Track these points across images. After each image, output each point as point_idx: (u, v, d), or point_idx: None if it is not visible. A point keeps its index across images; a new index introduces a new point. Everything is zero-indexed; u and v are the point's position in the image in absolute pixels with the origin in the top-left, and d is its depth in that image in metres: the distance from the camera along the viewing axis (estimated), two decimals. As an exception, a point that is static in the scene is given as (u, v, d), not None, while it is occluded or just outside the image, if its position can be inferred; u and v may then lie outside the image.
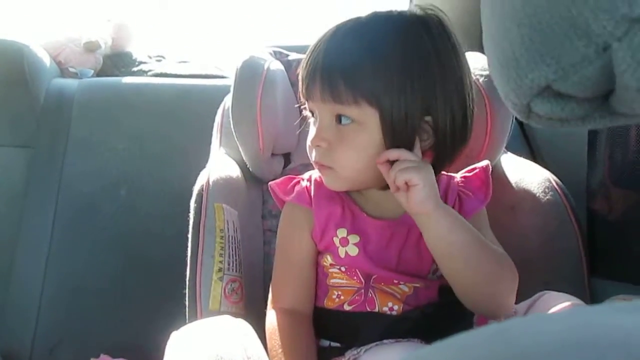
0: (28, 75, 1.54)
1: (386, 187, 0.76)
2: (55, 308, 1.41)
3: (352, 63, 0.71)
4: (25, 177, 1.49)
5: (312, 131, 0.78)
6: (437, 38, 0.72)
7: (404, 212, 0.80)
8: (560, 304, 0.75)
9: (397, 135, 0.72)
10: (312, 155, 0.78)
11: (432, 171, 0.71)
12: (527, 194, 1.00)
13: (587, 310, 0.24)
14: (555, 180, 0.99)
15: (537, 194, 0.98)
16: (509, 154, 1.11)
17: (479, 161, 0.99)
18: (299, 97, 0.80)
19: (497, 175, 1.05)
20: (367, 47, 0.71)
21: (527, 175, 1.02)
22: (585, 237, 0.94)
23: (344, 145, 0.74)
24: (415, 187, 0.69)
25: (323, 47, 0.73)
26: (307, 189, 0.84)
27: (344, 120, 0.73)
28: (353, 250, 0.79)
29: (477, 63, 1.04)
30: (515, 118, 1.02)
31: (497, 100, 0.98)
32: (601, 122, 0.30)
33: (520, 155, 1.13)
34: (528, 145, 1.28)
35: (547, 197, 0.97)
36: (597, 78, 0.27)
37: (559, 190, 0.97)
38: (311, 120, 0.79)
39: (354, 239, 0.79)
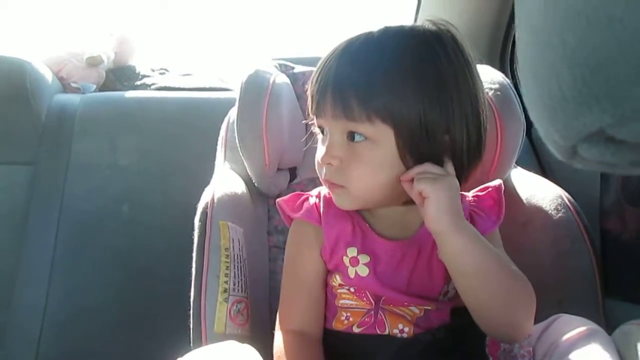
0: (30, 92, 1.52)
1: (398, 205, 0.74)
2: (58, 328, 1.39)
3: (365, 79, 0.68)
4: (27, 195, 1.47)
5: (321, 148, 0.75)
6: (452, 54, 0.70)
7: (416, 232, 0.78)
8: (575, 329, 0.73)
9: (418, 152, 0.70)
10: (322, 174, 0.76)
11: (455, 186, 0.68)
12: (538, 211, 0.97)
13: None
14: (567, 197, 0.97)
15: (549, 211, 0.96)
16: (519, 169, 1.09)
17: (489, 177, 0.97)
18: (307, 111, 0.78)
19: (508, 191, 1.03)
20: (380, 63, 0.69)
21: (538, 191, 1.00)
22: (599, 257, 0.92)
23: (357, 163, 0.71)
24: (427, 199, 0.66)
25: (334, 62, 0.71)
26: (317, 205, 0.81)
27: (357, 138, 0.71)
28: (363, 271, 0.76)
29: (485, 76, 1.02)
30: (526, 132, 1.02)
31: (508, 115, 0.97)
32: None
33: (530, 171, 1.11)
34: (538, 160, 1.26)
35: (559, 215, 0.95)
36: None
37: (571, 208, 0.95)
38: (320, 136, 0.77)
39: (364, 258, 0.77)
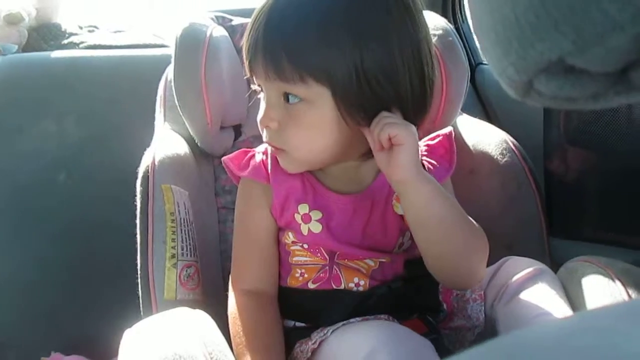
0: (-60, 56, 1.39)
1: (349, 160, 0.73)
2: (2, 308, 1.32)
3: (295, 36, 0.63)
4: None
5: (262, 108, 0.71)
6: (391, 2, 0.65)
7: (368, 185, 0.76)
8: (522, 270, 0.75)
9: (360, 108, 0.66)
10: (264, 135, 0.73)
11: (417, 136, 0.65)
12: (485, 157, 0.99)
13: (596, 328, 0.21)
14: (512, 141, 0.98)
15: (495, 157, 0.97)
16: (465, 115, 1.10)
17: (436, 125, 0.97)
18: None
19: (455, 139, 1.03)
20: (312, 16, 0.64)
21: (484, 137, 1.01)
22: (543, 199, 0.94)
23: (295, 126, 0.68)
24: (400, 147, 0.62)
25: (264, 18, 0.65)
26: (264, 162, 0.79)
27: (291, 99, 0.67)
28: (316, 227, 0.75)
29: (428, 22, 1.00)
30: (469, 78, 1.01)
31: (452, 61, 0.96)
32: (615, 100, 0.26)
33: (475, 117, 1.11)
34: (482, 105, 1.27)
35: (505, 159, 0.97)
36: (625, 49, 0.22)
37: (516, 152, 0.97)
38: (261, 95, 0.73)
39: (316, 215, 0.75)
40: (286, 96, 0.67)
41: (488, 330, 0.76)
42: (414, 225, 0.69)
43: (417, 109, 0.69)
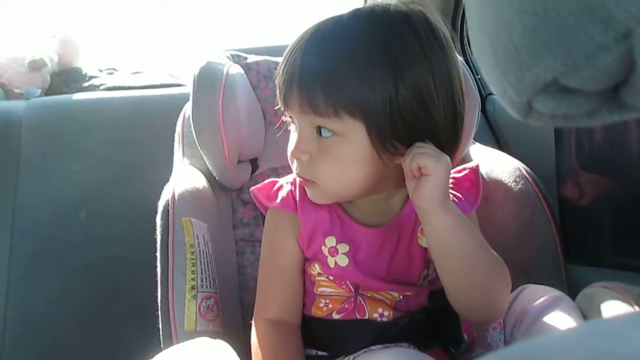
0: (-30, 102, 1.45)
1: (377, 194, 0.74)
2: (19, 346, 1.33)
3: (330, 70, 0.65)
4: None
5: (292, 140, 0.72)
6: (423, 36, 0.66)
7: (394, 217, 0.77)
8: (540, 297, 0.75)
9: (394, 141, 0.66)
10: (294, 167, 0.74)
11: (450, 166, 0.65)
12: (499, 185, 0.99)
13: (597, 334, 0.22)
14: (525, 169, 0.99)
15: (509, 184, 0.98)
16: (477, 144, 1.11)
17: (448, 155, 0.98)
18: (276, 100, 0.76)
19: (468, 167, 1.04)
20: (346, 51, 0.65)
21: (497, 165, 1.02)
22: (558, 225, 0.94)
23: (327, 160, 0.68)
24: (428, 177, 0.63)
25: (299, 53, 0.67)
26: (292, 193, 0.80)
27: (324, 133, 0.68)
28: (343, 260, 0.75)
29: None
30: (480, 107, 1.03)
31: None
32: (609, 117, 0.27)
33: (487, 145, 1.13)
34: (493, 134, 1.29)
35: (518, 187, 0.97)
36: (612, 69, 0.24)
37: (529, 179, 0.97)
38: (292, 126, 0.74)
39: (343, 248, 0.76)
40: (319, 129, 0.68)
41: None
42: (436, 254, 0.69)
43: (449, 141, 0.70)
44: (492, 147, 1.13)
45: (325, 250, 0.76)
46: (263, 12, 2.31)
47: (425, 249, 0.76)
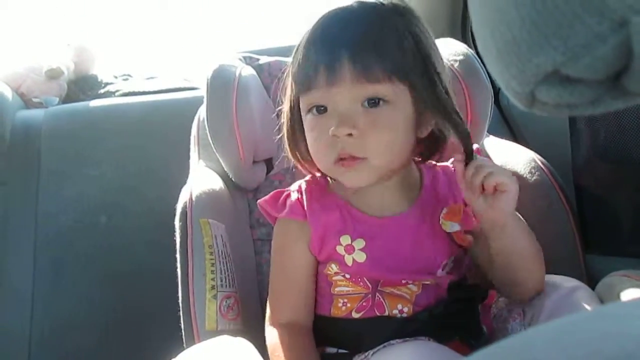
0: (-9, 112, 1.49)
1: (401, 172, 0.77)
2: (45, 346, 1.36)
3: (378, 38, 0.68)
4: (1, 216, 1.43)
5: (319, 125, 0.72)
6: (413, 22, 0.71)
7: (408, 207, 0.78)
8: (559, 288, 0.75)
9: (430, 112, 0.71)
10: (332, 153, 0.71)
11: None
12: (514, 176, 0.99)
13: (606, 316, 0.22)
14: (540, 160, 0.99)
15: (524, 175, 0.98)
16: (491, 137, 1.11)
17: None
18: (279, 97, 0.78)
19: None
20: (384, 21, 0.69)
21: (511, 157, 1.02)
22: (576, 215, 0.94)
23: (378, 129, 0.69)
24: (505, 193, 0.66)
25: (333, 30, 0.70)
26: (299, 200, 0.80)
27: (370, 105, 0.69)
28: (360, 257, 0.76)
29: (449, 49, 1.03)
30: (494, 100, 1.03)
31: (474, 84, 0.98)
32: (613, 104, 0.28)
33: (501, 138, 1.12)
34: (508, 126, 1.28)
35: (534, 178, 0.97)
36: (611, 58, 0.25)
37: (545, 170, 0.97)
38: (309, 116, 0.74)
39: (359, 244, 0.76)
40: (367, 102, 0.69)
41: None
42: (497, 254, 0.72)
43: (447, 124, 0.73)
44: (506, 139, 1.12)
45: (341, 249, 0.77)
46: (273, 14, 2.32)
47: (450, 236, 0.76)
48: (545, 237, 0.95)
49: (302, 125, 0.76)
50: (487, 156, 1.04)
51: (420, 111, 0.71)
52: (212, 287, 0.82)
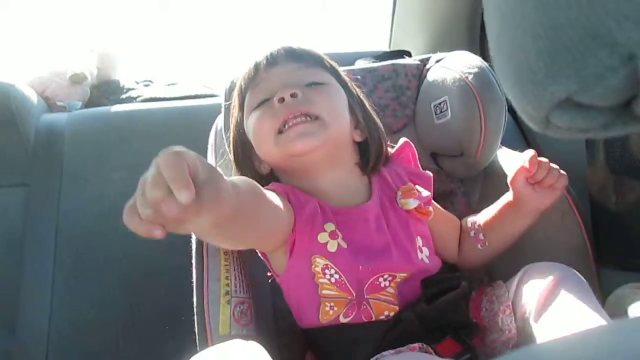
0: (16, 115, 1.52)
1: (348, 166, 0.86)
2: (64, 347, 1.39)
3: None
4: (22, 217, 1.47)
5: (264, 109, 0.81)
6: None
7: (367, 198, 0.84)
8: (547, 277, 0.75)
9: (355, 105, 0.89)
10: (275, 121, 0.78)
11: None
12: (528, 188, 0.99)
13: (615, 332, 0.23)
14: (554, 172, 0.98)
15: (538, 187, 0.98)
16: (504, 148, 1.11)
17: (476, 159, 0.99)
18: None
19: (496, 171, 1.04)
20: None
21: (525, 169, 1.02)
22: (589, 228, 0.94)
23: (323, 95, 0.82)
24: (555, 192, 0.85)
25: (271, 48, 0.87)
26: (283, 188, 0.83)
27: (311, 85, 0.82)
28: (343, 243, 0.78)
29: (465, 61, 1.04)
30: (509, 111, 1.03)
31: (488, 97, 0.98)
32: (624, 129, 0.29)
33: (517, 149, 1.12)
34: (524, 138, 1.28)
35: (548, 190, 0.97)
36: (621, 87, 0.26)
37: (559, 182, 0.97)
38: (253, 114, 0.83)
39: (340, 233, 0.79)
40: (305, 86, 0.82)
41: (523, 343, 0.75)
42: (506, 235, 0.91)
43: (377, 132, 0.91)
44: (522, 150, 1.12)
45: (324, 236, 0.78)
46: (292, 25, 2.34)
47: (411, 214, 0.84)
48: (558, 249, 0.95)
49: (250, 144, 0.87)
50: (500, 168, 1.04)
51: (351, 104, 0.87)
52: (227, 293, 0.84)
